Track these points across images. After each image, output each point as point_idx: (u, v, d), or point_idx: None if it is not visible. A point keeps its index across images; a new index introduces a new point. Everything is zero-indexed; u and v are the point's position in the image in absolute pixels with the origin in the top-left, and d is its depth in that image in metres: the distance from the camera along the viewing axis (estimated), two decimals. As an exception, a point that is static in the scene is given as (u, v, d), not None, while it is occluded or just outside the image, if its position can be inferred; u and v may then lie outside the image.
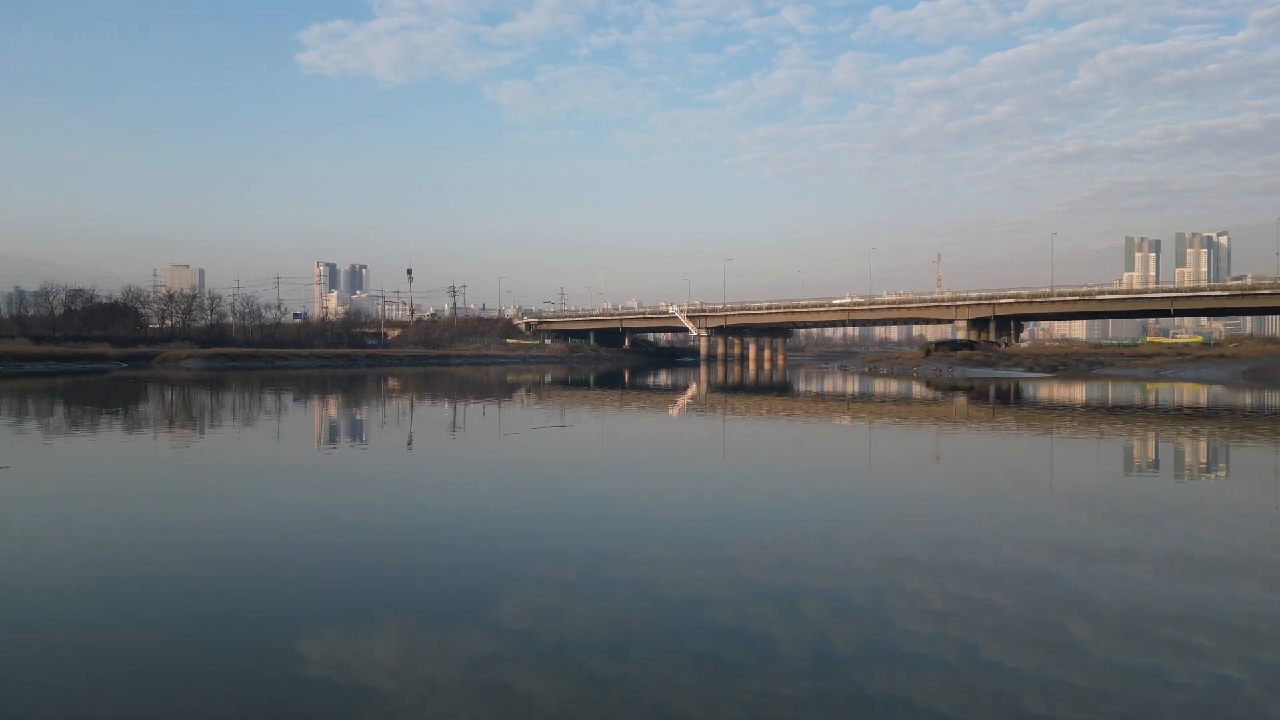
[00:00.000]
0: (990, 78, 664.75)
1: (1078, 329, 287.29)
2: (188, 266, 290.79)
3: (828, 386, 37.28)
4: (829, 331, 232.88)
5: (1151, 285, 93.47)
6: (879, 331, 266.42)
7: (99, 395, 25.25)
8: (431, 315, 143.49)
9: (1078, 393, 29.61)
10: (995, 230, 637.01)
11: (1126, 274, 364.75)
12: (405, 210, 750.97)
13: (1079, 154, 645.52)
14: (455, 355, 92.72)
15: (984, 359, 58.26)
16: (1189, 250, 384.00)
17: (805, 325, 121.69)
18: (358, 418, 16.96)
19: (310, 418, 17.23)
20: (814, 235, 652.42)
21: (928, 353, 67.91)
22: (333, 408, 20.00)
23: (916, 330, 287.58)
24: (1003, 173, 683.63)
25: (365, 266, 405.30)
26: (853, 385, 38.01)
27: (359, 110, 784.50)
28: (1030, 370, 52.83)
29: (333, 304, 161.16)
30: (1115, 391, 30.64)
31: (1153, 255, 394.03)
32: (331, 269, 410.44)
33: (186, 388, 29.73)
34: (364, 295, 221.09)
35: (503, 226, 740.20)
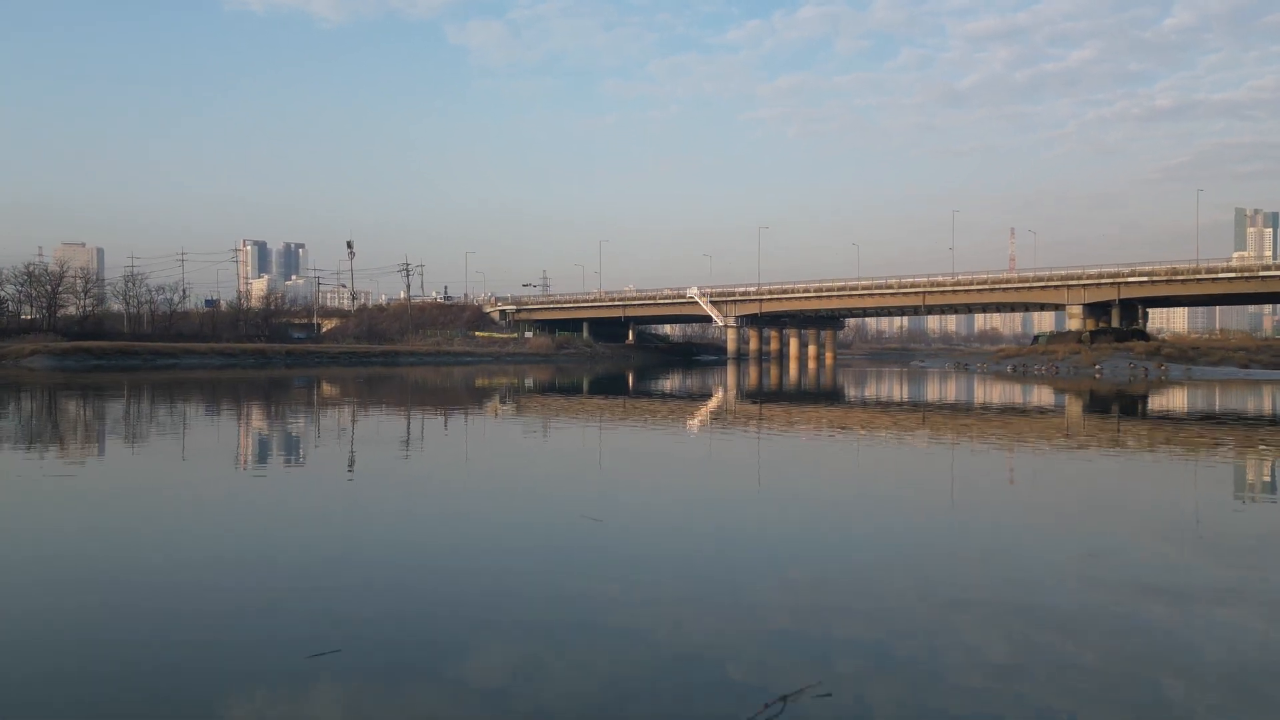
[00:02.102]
0: (1065, 16, 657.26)
1: (1177, 318, 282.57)
2: (83, 245, 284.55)
3: (946, 392, 34.76)
4: (881, 324, 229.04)
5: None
6: (933, 324, 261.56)
7: None
8: (384, 302, 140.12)
9: None
10: (1074, 203, 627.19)
11: (1237, 253, 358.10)
12: (351, 178, 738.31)
13: (1174, 110, 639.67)
14: (407, 352, 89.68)
15: (1174, 352, 50.98)
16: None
17: (864, 313, 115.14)
18: (243, 437, 16.44)
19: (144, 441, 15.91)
20: (850, 208, 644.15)
21: (1080, 341, 60.78)
22: (207, 427, 18.58)
23: (987, 322, 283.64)
24: (1081, 133, 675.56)
25: (303, 245, 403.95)
26: (1005, 393, 35.52)
27: (293, 56, 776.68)
28: (1245, 368, 47.89)
29: (262, 289, 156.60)
30: None
31: (1268, 230, 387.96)
32: (261, 248, 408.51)
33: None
34: (300, 280, 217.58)
35: (471, 196, 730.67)
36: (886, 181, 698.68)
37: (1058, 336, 79.18)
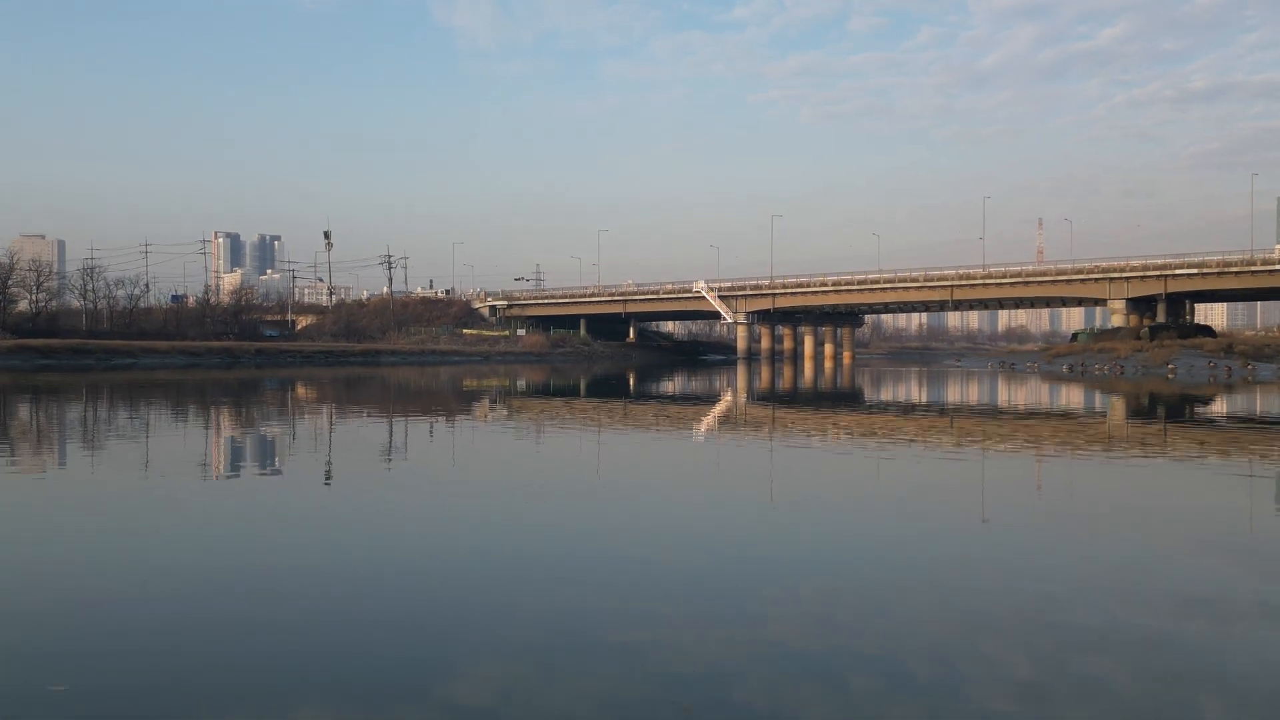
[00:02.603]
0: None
1: (1215, 314, 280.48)
2: (43, 237, 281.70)
3: (1014, 396, 33.05)
4: (899, 321, 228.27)
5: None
6: (954, 321, 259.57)
7: None
8: (365, 298, 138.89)
9: None
10: (1106, 190, 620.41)
11: None
12: (331, 166, 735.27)
13: (1210, 91, 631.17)
14: (388, 351, 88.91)
15: (1248, 349, 48.28)
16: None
17: (886, 308, 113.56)
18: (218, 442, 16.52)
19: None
20: (867, 196, 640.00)
21: (1138, 337, 57.90)
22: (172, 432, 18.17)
23: (1012, 319, 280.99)
24: (1112, 116, 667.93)
25: (279, 238, 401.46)
26: (1088, 399, 33.70)
27: (272, 38, 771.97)
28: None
29: (234, 284, 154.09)
30: None
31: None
32: (234, 240, 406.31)
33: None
34: (276, 275, 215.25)
35: (459, 185, 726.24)
36: (905, 167, 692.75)
37: (1106, 333, 76.35)
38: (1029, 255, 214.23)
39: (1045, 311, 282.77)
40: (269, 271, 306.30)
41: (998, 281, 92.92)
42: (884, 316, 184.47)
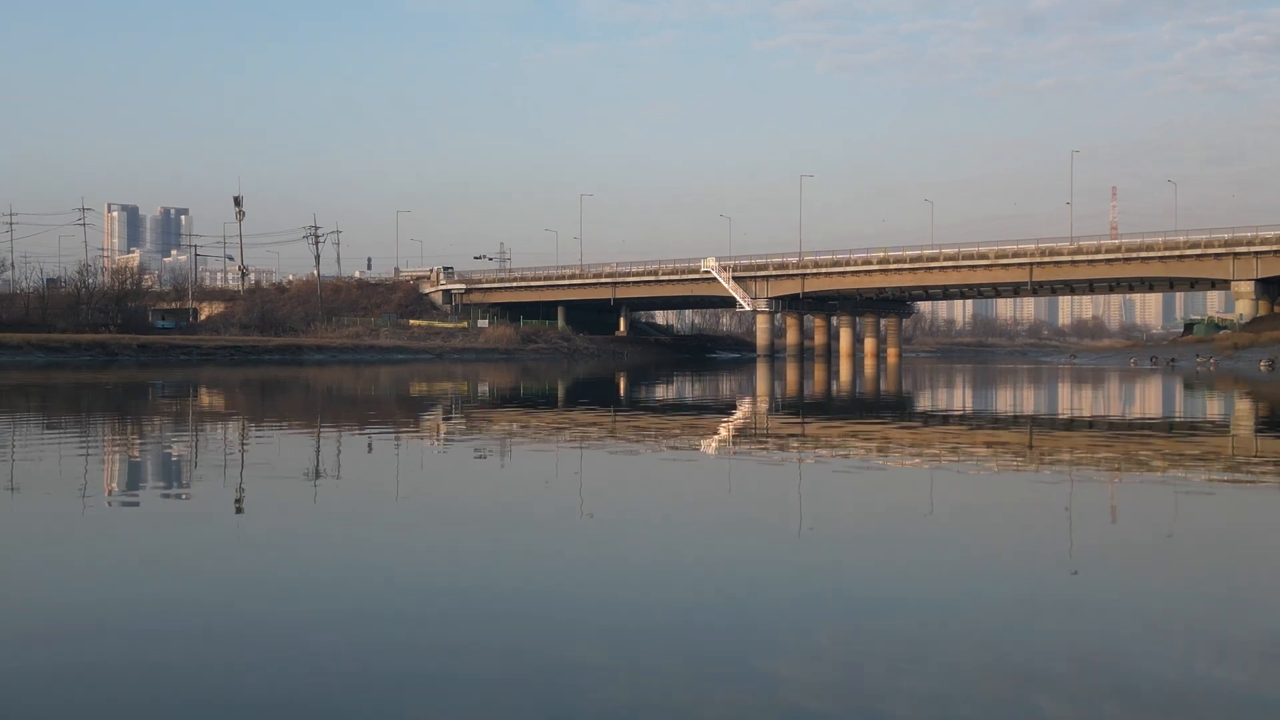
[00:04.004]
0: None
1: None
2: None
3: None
4: (944, 313, 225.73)
5: None
6: (1005, 312, 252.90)
7: None
8: (289, 281, 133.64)
9: None
10: (1185, 157, 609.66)
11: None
12: (247, 130, 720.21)
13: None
14: (313, 346, 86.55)
15: None
16: None
17: (945, 293, 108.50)
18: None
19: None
20: (894, 162, 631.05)
21: None
22: None
23: (1077, 309, 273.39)
24: (1191, 66, 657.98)
25: (185, 211, 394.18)
26: None
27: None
28: None
29: (134, 266, 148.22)
30: None
31: None
32: (131, 214, 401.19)
33: None
34: (182, 256, 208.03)
35: (402, 148, 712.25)
36: (942, 128, 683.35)
37: (1261, 321, 68.52)
38: (1093, 231, 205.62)
39: (1116, 300, 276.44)
40: (174, 252, 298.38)
41: (1089, 258, 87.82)
42: (924, 307, 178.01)
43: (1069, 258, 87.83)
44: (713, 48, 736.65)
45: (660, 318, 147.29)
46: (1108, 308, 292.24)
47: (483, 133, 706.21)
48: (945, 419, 23.97)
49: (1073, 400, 33.25)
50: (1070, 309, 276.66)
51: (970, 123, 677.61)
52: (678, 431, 21.27)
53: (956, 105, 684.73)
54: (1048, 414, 26.55)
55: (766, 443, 19.58)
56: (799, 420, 25.06)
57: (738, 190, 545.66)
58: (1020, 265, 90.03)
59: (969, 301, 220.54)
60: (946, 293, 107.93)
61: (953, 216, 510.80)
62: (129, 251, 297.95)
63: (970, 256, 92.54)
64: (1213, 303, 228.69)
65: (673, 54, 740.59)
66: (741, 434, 21.47)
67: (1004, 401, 32.71)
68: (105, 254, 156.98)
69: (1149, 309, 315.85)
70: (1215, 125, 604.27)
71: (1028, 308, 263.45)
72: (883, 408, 29.87)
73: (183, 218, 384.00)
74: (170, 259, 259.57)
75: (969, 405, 30.82)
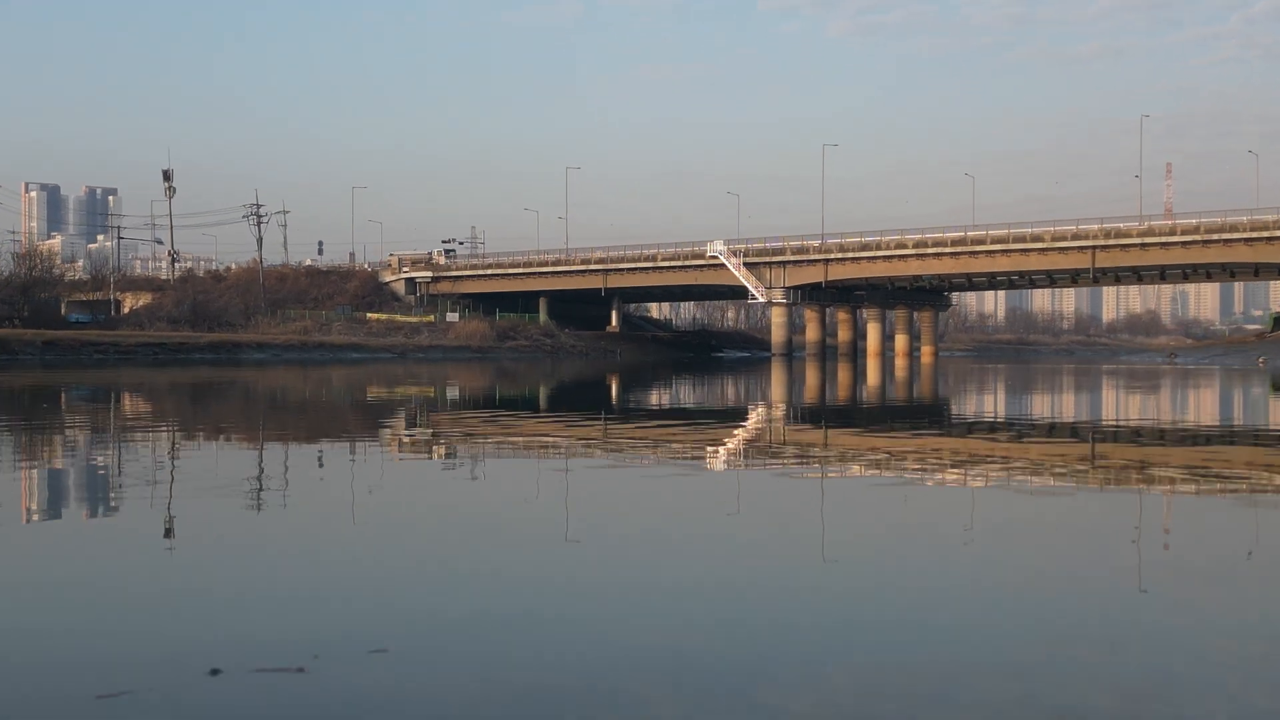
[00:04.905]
0: None
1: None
2: None
3: None
4: (968, 303, 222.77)
5: None
6: (1043, 305, 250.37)
7: None
8: (227, 269, 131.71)
9: None
10: (1240, 129, 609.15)
11: None
12: (188, 97, 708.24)
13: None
14: (253, 344, 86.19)
15: None
16: None
17: (991, 282, 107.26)
18: None
19: None
20: (916, 137, 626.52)
21: None
22: None
23: (1121, 303, 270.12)
24: (1248, 30, 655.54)
25: (114, 191, 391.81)
26: None
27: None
28: None
29: (46, 250, 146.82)
30: None
31: None
32: (52, 194, 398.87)
33: None
34: (110, 243, 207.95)
35: (359, 120, 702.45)
36: (968, 100, 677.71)
37: None
38: (1147, 211, 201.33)
39: (1166, 292, 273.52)
40: (100, 238, 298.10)
41: (1162, 241, 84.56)
42: (958, 300, 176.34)
43: (1138, 240, 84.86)
44: (711, 11, 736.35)
45: (655, 311, 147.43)
46: (1158, 300, 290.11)
47: (449, 104, 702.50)
48: (1070, 434, 18.89)
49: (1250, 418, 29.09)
50: (1116, 302, 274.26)
51: (998, 92, 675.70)
52: (686, 438, 20.13)
53: (984, 73, 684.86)
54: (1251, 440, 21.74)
55: (808, 459, 16.62)
56: (852, 432, 21.80)
57: (742, 167, 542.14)
58: (1081, 249, 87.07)
59: (1000, 293, 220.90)
60: (993, 281, 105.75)
61: (983, 197, 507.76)
62: (49, 236, 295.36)
63: (1023, 239, 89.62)
64: (1275, 294, 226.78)
65: (666, 19, 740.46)
66: (756, 444, 19.88)
67: (1136, 413, 27.92)
68: (15, 237, 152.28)
69: (1204, 302, 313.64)
70: (1273, 95, 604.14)
71: (1067, 301, 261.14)
72: (939, 419, 25.73)
73: (111, 198, 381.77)
74: (96, 245, 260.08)
75: (1084, 417, 26.14)
